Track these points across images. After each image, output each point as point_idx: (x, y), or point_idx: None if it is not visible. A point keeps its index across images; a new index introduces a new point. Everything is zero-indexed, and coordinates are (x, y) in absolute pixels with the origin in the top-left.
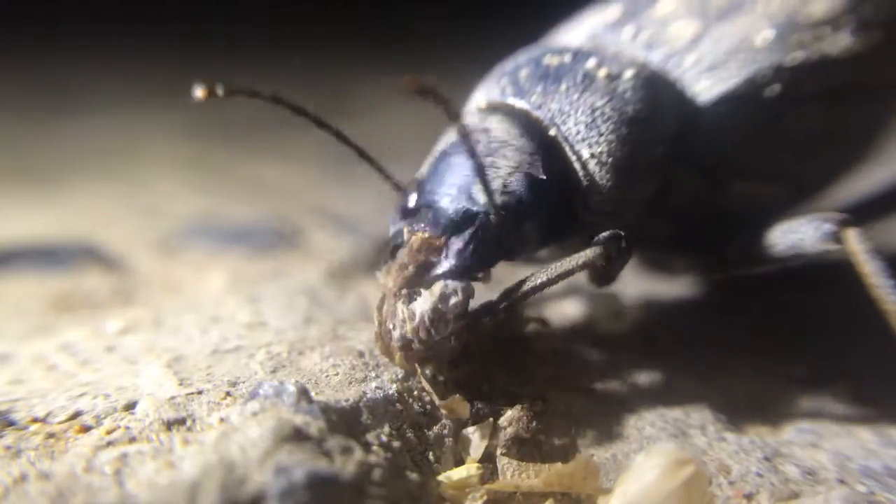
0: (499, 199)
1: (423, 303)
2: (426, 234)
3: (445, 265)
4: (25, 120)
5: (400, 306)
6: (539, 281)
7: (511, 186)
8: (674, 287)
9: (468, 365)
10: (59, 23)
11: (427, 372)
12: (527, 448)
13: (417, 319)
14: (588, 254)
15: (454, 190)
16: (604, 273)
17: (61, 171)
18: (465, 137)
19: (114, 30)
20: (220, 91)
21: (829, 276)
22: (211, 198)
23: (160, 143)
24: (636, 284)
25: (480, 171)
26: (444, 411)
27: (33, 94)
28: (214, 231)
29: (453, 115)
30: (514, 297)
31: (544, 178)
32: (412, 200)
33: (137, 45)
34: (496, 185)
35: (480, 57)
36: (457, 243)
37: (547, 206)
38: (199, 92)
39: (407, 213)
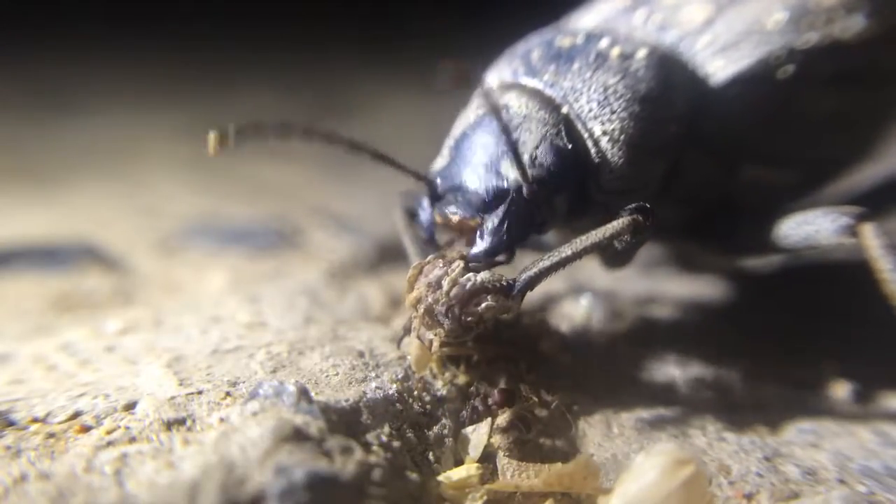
0: (530, 172)
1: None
2: (459, 217)
3: (481, 245)
4: (25, 120)
5: (455, 267)
6: (564, 255)
7: (540, 159)
8: (674, 287)
9: (469, 366)
10: (59, 23)
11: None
12: (527, 448)
13: (456, 288)
14: (616, 225)
15: (482, 169)
16: (620, 252)
17: (61, 171)
18: (497, 114)
19: (114, 30)
20: (231, 137)
21: (830, 276)
22: (211, 198)
23: (160, 143)
24: (636, 284)
25: (511, 147)
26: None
27: (33, 94)
28: (214, 231)
29: (485, 94)
30: (543, 271)
31: (570, 146)
32: (439, 186)
33: (137, 45)
34: (525, 159)
35: (479, 56)
36: (491, 222)
37: (572, 176)
38: (210, 148)
39: (435, 199)
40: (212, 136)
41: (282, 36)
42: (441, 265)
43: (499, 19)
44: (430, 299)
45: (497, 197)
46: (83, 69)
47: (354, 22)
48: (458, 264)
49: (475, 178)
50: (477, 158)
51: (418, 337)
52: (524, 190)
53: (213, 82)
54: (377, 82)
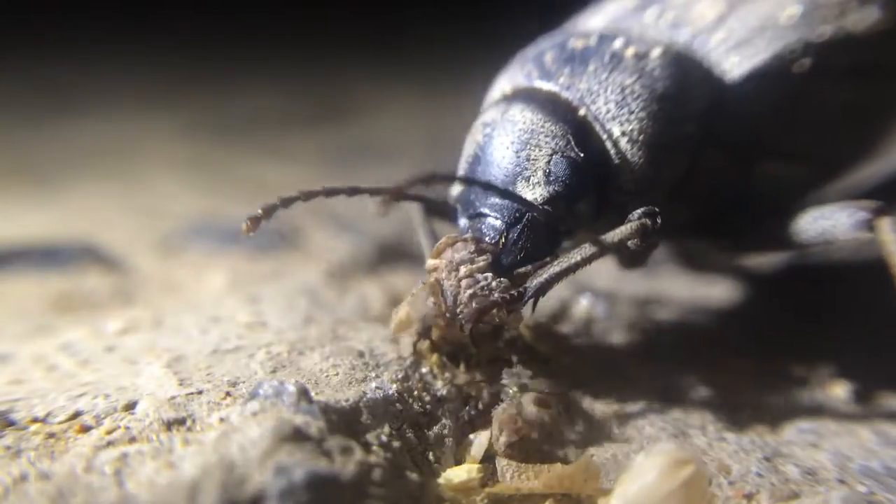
0: (546, 190)
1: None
2: (480, 241)
3: (504, 264)
4: (25, 120)
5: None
6: (573, 261)
7: (554, 174)
8: (675, 287)
9: (469, 366)
10: (58, 23)
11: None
12: (527, 449)
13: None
14: (624, 230)
15: (496, 195)
16: (634, 254)
17: (61, 171)
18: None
19: (114, 30)
20: (262, 216)
21: (830, 276)
22: (211, 198)
23: (160, 143)
24: (636, 284)
25: (520, 168)
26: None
27: (33, 94)
28: (214, 231)
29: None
30: (549, 279)
31: (582, 155)
32: (459, 211)
33: (137, 46)
34: (538, 177)
35: (480, 56)
36: (511, 243)
37: (590, 182)
38: (245, 228)
39: (459, 220)
40: (245, 225)
41: (283, 37)
42: (471, 250)
43: (500, 22)
44: (444, 274)
45: (514, 220)
46: (83, 69)
47: (356, 23)
48: (486, 258)
49: (494, 201)
50: (493, 178)
51: (411, 304)
52: (541, 208)
53: (213, 82)
54: (379, 84)
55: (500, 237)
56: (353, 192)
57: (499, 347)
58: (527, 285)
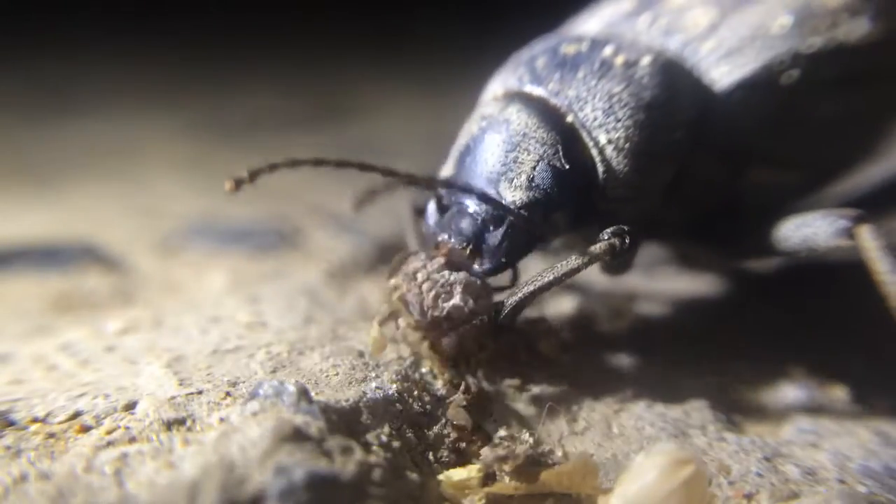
0: (526, 195)
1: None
2: (457, 242)
3: (480, 268)
4: (25, 120)
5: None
6: (546, 280)
7: (537, 180)
8: (674, 286)
9: (469, 367)
10: (59, 23)
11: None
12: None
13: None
14: (593, 250)
15: (481, 191)
16: (614, 264)
17: (61, 171)
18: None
19: (114, 30)
20: (245, 178)
21: (830, 276)
22: (211, 198)
23: (160, 143)
24: (636, 284)
25: (506, 168)
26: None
27: (33, 94)
28: (214, 231)
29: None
30: (522, 298)
31: (567, 167)
32: (443, 202)
33: (138, 46)
34: (521, 180)
35: (480, 56)
36: (489, 245)
37: (572, 194)
38: (228, 186)
39: (442, 210)
40: (229, 182)
41: (282, 36)
42: (422, 258)
43: (501, 20)
44: (405, 288)
45: (495, 220)
46: (83, 69)
47: (356, 23)
48: (440, 260)
49: (475, 201)
50: (476, 177)
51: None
52: (521, 212)
53: (213, 82)
54: (378, 84)
55: (475, 234)
56: (341, 164)
57: (498, 348)
58: (503, 301)
